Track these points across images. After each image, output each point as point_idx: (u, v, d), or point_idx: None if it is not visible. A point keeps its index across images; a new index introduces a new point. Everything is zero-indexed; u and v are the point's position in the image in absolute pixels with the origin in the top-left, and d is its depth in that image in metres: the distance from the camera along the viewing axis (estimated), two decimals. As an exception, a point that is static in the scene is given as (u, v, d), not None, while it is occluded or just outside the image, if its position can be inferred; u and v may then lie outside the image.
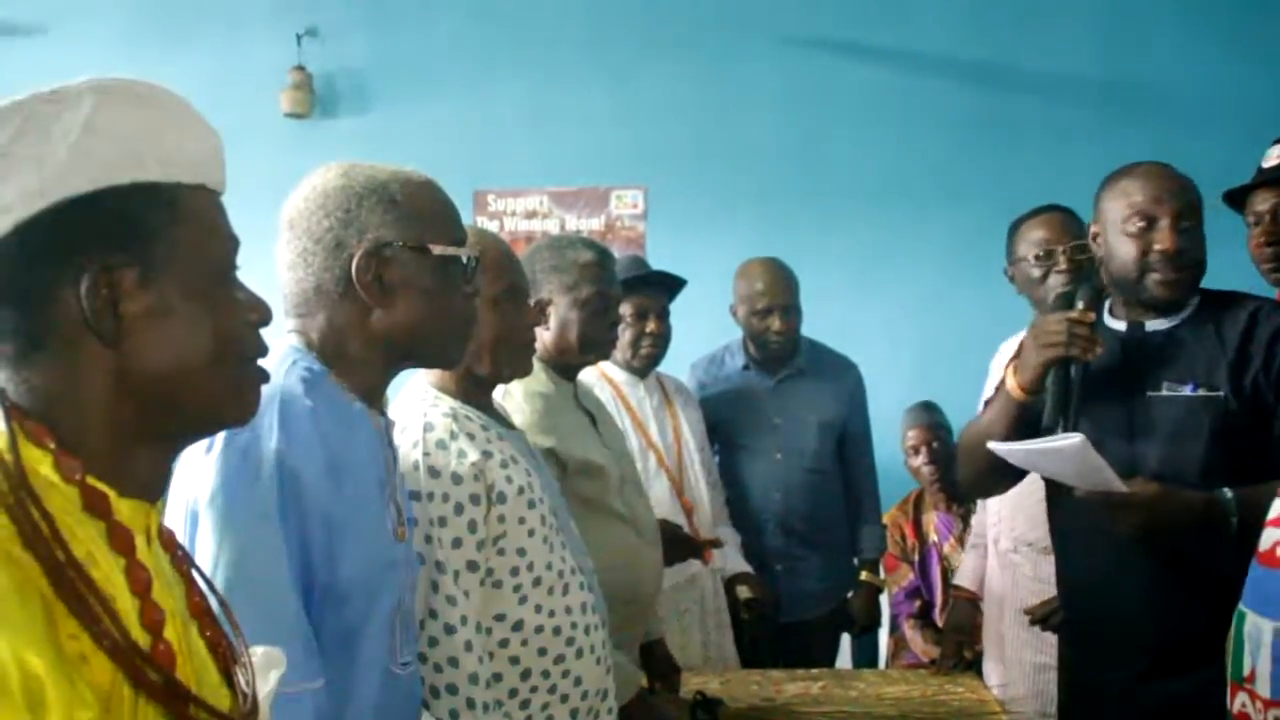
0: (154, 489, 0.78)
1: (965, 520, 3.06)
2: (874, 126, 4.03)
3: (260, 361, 0.82)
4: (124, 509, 0.73)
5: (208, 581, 0.83)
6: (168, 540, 0.81)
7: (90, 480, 0.72)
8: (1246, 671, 1.28)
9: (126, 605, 0.69)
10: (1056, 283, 2.21)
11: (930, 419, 3.22)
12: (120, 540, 0.71)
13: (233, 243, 0.81)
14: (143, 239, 0.73)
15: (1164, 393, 1.71)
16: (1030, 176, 3.72)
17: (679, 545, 2.21)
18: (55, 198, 0.70)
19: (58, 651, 0.63)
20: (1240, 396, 1.63)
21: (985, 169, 3.91)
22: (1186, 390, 1.69)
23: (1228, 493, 1.60)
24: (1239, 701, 1.29)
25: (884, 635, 3.29)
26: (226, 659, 0.80)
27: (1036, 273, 2.25)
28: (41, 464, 0.70)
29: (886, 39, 4.04)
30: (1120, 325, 1.78)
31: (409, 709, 1.26)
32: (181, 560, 0.81)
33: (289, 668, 0.89)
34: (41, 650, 0.62)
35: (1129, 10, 3.98)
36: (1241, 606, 1.32)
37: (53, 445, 0.71)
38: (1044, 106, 3.98)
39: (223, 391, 0.79)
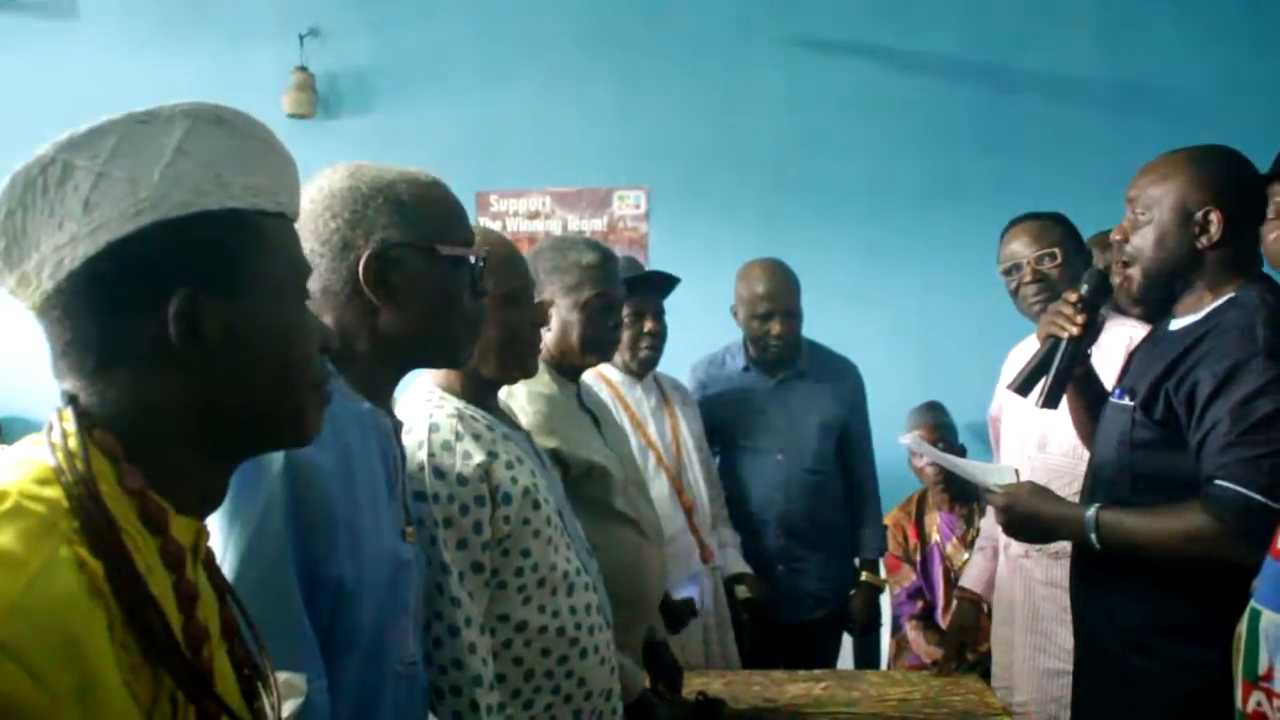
0: (207, 507, 0.79)
1: (968, 520, 3.06)
2: (876, 127, 4.03)
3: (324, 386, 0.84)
4: (178, 525, 0.74)
5: (239, 603, 0.83)
6: (207, 558, 0.82)
7: (151, 494, 0.73)
8: (1263, 669, 1.25)
9: (173, 621, 0.70)
10: (1028, 294, 2.25)
11: (935, 419, 3.22)
12: (173, 556, 0.73)
13: (305, 269, 0.83)
14: (228, 265, 0.75)
15: (1111, 398, 1.78)
16: (1033, 177, 3.73)
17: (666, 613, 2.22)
18: (148, 220, 0.72)
19: (116, 660, 0.64)
20: (1147, 409, 1.63)
21: (988, 169, 3.92)
22: (1114, 397, 1.76)
23: (1092, 512, 1.65)
24: (1254, 700, 1.27)
25: (885, 636, 3.29)
26: (250, 680, 0.81)
27: (1011, 285, 2.29)
28: (105, 473, 0.71)
29: (889, 40, 4.04)
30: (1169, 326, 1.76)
31: (417, 707, 1.26)
32: (216, 578, 0.82)
33: (286, 661, 0.89)
34: (106, 657, 0.63)
35: (1132, 9, 3.98)
36: (1255, 604, 1.29)
37: (119, 456, 0.72)
38: (1047, 106, 3.97)
39: (289, 414, 0.81)
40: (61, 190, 0.71)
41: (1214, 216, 1.61)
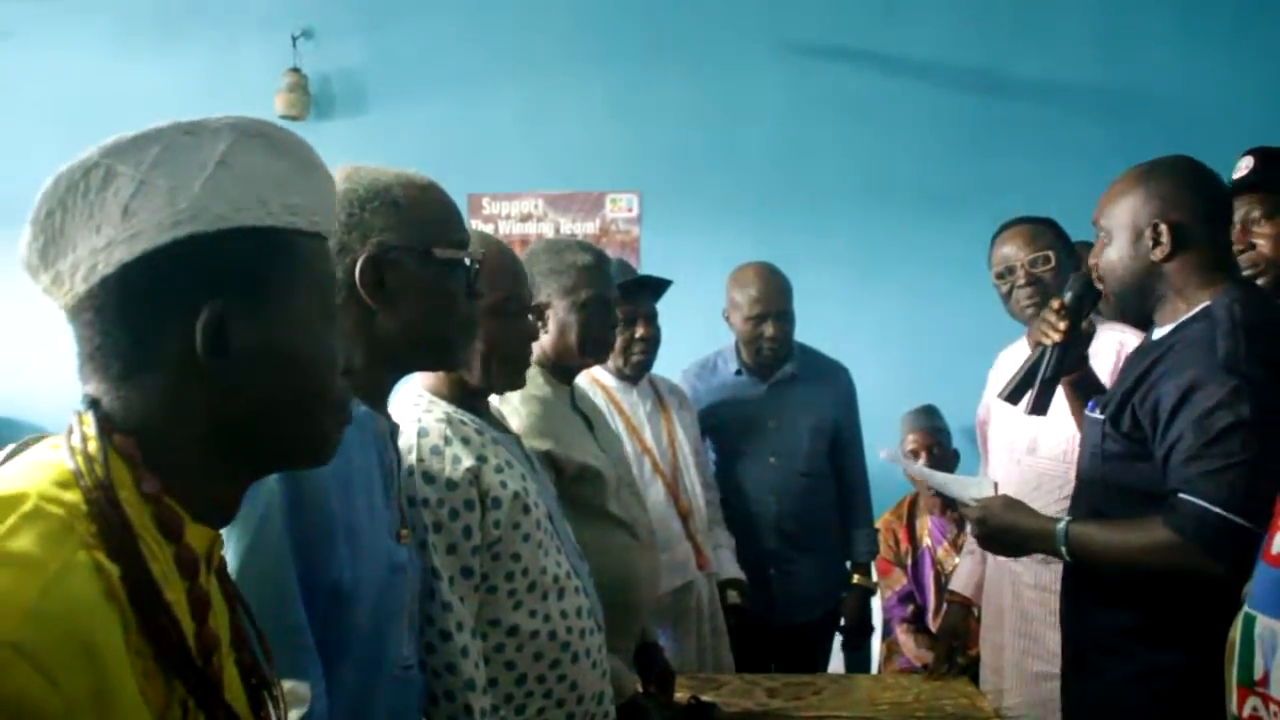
0: (222, 517, 0.79)
1: (959, 525, 3.07)
2: (868, 131, 4.04)
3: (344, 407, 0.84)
4: (193, 533, 0.75)
5: (248, 612, 0.84)
6: (219, 567, 0.82)
7: (168, 501, 0.73)
8: (1258, 675, 1.26)
9: (186, 629, 0.70)
10: (1021, 298, 2.26)
11: (930, 423, 3.22)
12: (187, 563, 0.73)
13: (334, 289, 0.84)
14: (260, 282, 0.76)
15: (1086, 410, 1.80)
16: (1025, 181, 3.74)
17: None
18: (185, 231, 0.72)
19: (130, 665, 0.64)
20: (1115, 422, 1.65)
21: (979, 174, 3.93)
22: (1088, 409, 1.79)
23: (1063, 526, 1.67)
24: (1249, 706, 1.27)
25: (876, 640, 3.30)
26: (256, 690, 0.81)
27: (1004, 289, 2.30)
28: (123, 479, 0.71)
29: (881, 44, 4.05)
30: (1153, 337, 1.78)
31: (412, 710, 1.26)
32: (228, 587, 0.83)
33: (288, 668, 0.89)
34: (121, 662, 0.63)
35: (1125, 15, 3.99)
36: (1249, 609, 1.30)
37: (138, 461, 0.72)
38: (1039, 111, 3.99)
39: (309, 432, 0.81)
40: (102, 195, 0.71)
41: (1163, 228, 1.64)
